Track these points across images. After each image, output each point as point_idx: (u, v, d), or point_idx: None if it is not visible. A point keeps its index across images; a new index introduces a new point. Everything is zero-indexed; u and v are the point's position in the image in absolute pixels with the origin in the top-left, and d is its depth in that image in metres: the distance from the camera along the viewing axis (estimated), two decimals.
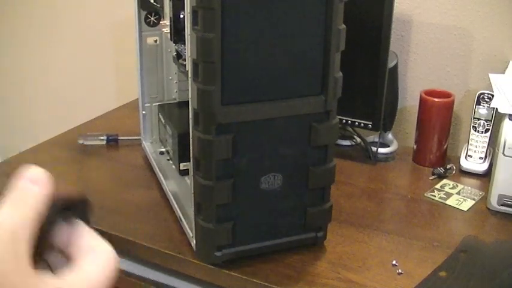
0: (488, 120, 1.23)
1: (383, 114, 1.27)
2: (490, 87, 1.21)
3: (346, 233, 1.03)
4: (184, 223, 1.00)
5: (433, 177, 1.25)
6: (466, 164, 1.26)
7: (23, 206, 0.35)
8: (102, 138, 1.36)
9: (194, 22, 0.79)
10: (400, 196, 1.18)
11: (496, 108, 1.13)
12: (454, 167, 1.28)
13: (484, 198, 1.15)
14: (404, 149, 1.39)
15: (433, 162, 1.30)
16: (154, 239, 1.01)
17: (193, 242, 0.95)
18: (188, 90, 0.86)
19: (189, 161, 0.90)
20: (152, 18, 1.21)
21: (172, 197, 1.08)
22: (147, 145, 1.30)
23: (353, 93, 1.20)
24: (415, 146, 1.33)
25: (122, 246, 1.00)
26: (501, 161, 1.07)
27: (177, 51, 1.04)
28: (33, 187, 0.36)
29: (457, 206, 1.13)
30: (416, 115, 1.31)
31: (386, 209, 1.14)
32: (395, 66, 1.32)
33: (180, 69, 1.04)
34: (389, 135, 1.39)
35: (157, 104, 1.29)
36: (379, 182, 1.24)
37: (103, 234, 0.39)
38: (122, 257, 1.06)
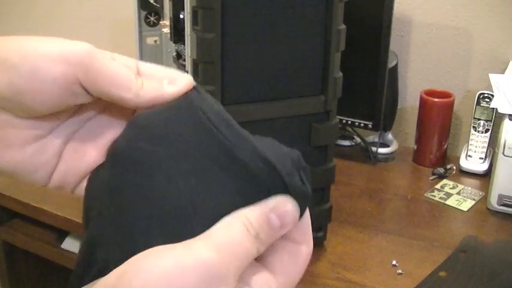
0: (488, 120, 1.23)
1: (383, 114, 1.27)
2: (490, 87, 1.21)
3: (346, 233, 1.03)
4: None
5: (433, 177, 1.25)
6: (466, 164, 1.26)
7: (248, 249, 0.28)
8: None
9: (194, 22, 0.79)
10: (400, 196, 1.18)
11: (496, 108, 1.13)
12: (454, 167, 1.28)
13: (484, 198, 1.15)
14: (404, 149, 1.39)
15: (433, 162, 1.30)
16: None
17: None
18: None
19: None
20: (152, 18, 1.20)
21: None
22: None
23: (353, 93, 1.20)
24: (415, 146, 1.33)
25: None
26: (501, 161, 1.07)
27: (177, 51, 1.04)
28: (277, 230, 0.29)
29: (457, 206, 1.13)
30: (416, 115, 1.31)
31: (386, 209, 1.14)
32: (396, 66, 1.32)
33: (180, 70, 1.04)
34: (389, 135, 1.39)
35: None
36: (379, 182, 1.24)
37: None
38: None
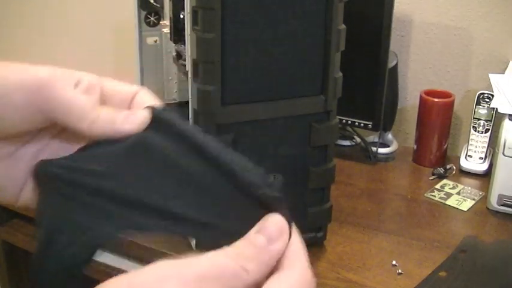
0: (488, 120, 1.23)
1: (383, 114, 1.27)
2: (490, 87, 1.21)
3: (346, 233, 1.03)
4: None
5: (433, 177, 1.25)
6: (466, 164, 1.26)
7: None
8: None
9: (194, 22, 0.79)
10: (400, 196, 1.18)
11: (496, 108, 1.13)
12: (454, 167, 1.28)
13: (484, 198, 1.15)
14: (404, 149, 1.39)
15: (433, 162, 1.30)
16: (154, 238, 1.01)
17: (193, 242, 0.95)
18: (188, 90, 0.86)
19: None
20: (152, 18, 1.20)
21: None
22: None
23: (353, 93, 1.20)
24: (415, 146, 1.33)
25: (122, 246, 1.00)
26: (501, 161, 1.07)
27: (177, 51, 1.04)
28: (265, 247, 0.29)
29: (457, 206, 1.13)
30: (416, 115, 1.31)
31: (387, 209, 1.14)
32: (395, 66, 1.32)
33: (180, 70, 1.04)
34: (389, 135, 1.39)
35: None
36: (379, 182, 1.24)
37: None
38: (121, 257, 1.06)
